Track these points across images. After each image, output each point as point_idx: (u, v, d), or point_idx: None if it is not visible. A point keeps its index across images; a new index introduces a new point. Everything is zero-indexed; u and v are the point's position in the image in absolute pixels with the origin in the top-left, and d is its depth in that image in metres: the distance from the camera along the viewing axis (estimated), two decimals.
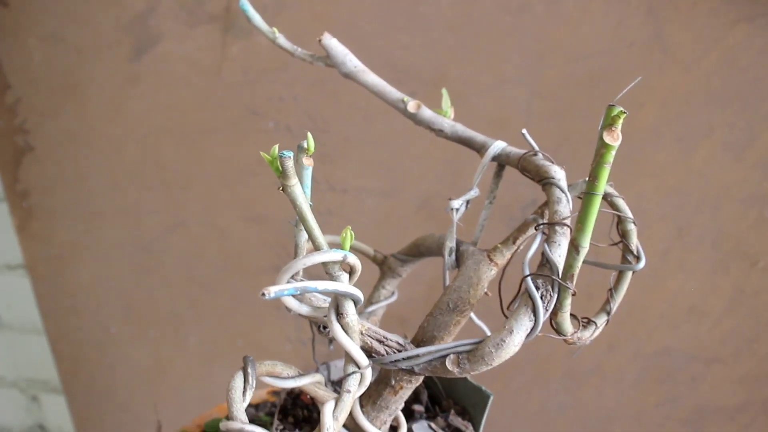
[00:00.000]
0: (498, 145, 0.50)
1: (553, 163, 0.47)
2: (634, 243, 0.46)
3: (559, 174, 0.46)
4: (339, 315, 0.41)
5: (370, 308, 0.58)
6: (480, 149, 0.50)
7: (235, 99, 0.89)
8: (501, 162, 0.51)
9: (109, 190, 0.98)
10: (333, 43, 0.52)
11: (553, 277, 0.40)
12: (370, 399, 0.49)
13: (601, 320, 0.47)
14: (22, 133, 0.97)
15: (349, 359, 0.42)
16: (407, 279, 0.60)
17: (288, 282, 0.39)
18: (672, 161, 0.83)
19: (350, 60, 0.53)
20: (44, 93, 0.94)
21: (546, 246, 0.41)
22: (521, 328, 0.40)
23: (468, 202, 0.51)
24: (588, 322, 0.46)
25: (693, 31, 0.77)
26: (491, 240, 0.52)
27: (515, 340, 0.40)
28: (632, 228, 0.46)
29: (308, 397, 0.60)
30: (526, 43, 0.80)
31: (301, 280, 0.42)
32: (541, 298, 0.40)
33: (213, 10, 0.85)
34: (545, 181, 0.46)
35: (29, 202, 1.02)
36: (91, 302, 1.09)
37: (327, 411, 0.40)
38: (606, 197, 0.46)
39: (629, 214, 0.46)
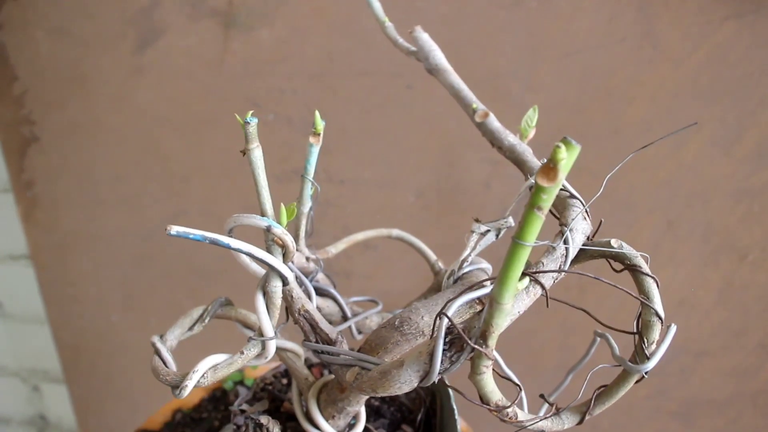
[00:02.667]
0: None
1: (583, 207, 0.40)
2: (651, 339, 0.37)
3: (573, 224, 0.39)
4: (265, 284, 0.42)
5: (400, 311, 0.57)
6: (527, 175, 0.46)
7: (237, 91, 0.91)
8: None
9: (113, 180, 1.00)
10: (423, 37, 0.51)
11: (458, 329, 0.34)
12: (326, 389, 0.50)
13: (570, 418, 0.40)
14: (28, 124, 0.99)
15: (259, 328, 0.43)
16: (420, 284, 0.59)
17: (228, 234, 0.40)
18: (662, 155, 0.85)
19: (433, 57, 0.51)
20: (50, 84, 0.96)
21: None
22: (413, 367, 0.36)
23: (500, 231, 0.45)
24: (555, 412, 0.39)
25: (682, 27, 0.79)
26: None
27: (402, 377, 0.36)
28: (654, 321, 0.37)
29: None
30: (519, 37, 0.82)
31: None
32: (450, 344, 0.35)
33: (215, 4, 0.87)
34: (560, 226, 0.40)
35: (34, 191, 1.04)
36: (93, 291, 1.10)
37: (209, 361, 0.41)
38: (633, 271, 0.38)
39: (654, 304, 0.37)
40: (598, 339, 0.42)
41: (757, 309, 0.91)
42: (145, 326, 1.11)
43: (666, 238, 0.89)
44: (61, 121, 0.98)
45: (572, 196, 0.41)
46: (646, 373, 0.37)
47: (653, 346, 0.37)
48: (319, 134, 0.44)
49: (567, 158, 0.24)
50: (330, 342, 0.45)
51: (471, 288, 0.36)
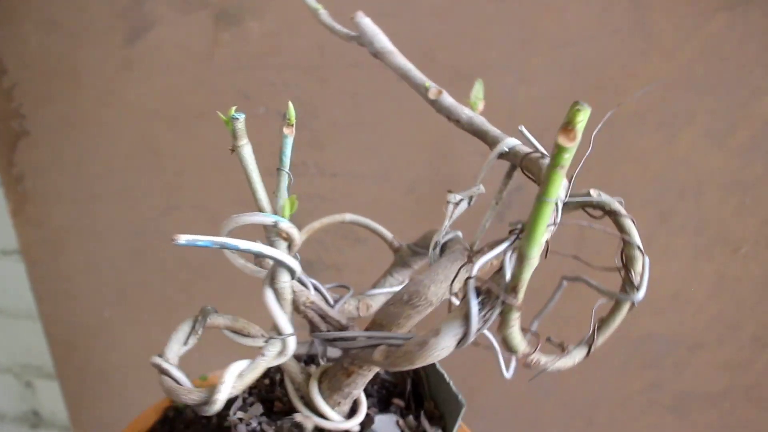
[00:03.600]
0: (509, 142, 0.46)
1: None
2: (637, 271, 0.41)
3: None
4: (273, 281, 0.41)
5: (372, 292, 0.57)
6: (492, 144, 0.47)
7: (227, 84, 0.91)
8: (511, 160, 0.47)
9: (104, 175, 1.00)
10: (365, 22, 0.51)
11: (489, 286, 0.36)
12: (327, 377, 0.50)
13: (578, 353, 0.42)
14: (18, 118, 0.98)
15: (275, 326, 0.42)
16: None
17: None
18: (654, 147, 0.84)
19: (378, 40, 0.51)
20: (40, 78, 0.96)
21: (509, 252, 0.38)
22: (450, 332, 0.37)
23: (471, 198, 0.48)
24: (562, 349, 0.42)
25: (675, 18, 0.78)
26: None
27: (441, 343, 0.37)
28: (637, 255, 0.41)
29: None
30: (510, 29, 0.81)
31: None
32: (482, 304, 0.37)
33: None
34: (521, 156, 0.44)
35: (24, 186, 1.03)
36: (85, 286, 1.10)
37: (234, 369, 0.40)
38: (612, 215, 0.42)
39: (635, 239, 0.41)
40: (565, 283, 0.44)
41: (750, 301, 0.91)
42: (137, 321, 1.11)
43: (659, 231, 0.89)
44: (51, 114, 0.98)
45: (543, 156, 0.44)
46: (637, 302, 0.40)
47: (639, 277, 0.41)
48: (292, 125, 0.44)
49: (583, 119, 0.28)
50: (343, 328, 0.45)
51: (489, 248, 0.39)
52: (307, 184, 0.92)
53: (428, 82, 0.49)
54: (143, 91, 0.94)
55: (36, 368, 1.26)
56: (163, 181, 0.99)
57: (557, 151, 0.29)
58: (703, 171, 0.85)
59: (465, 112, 0.49)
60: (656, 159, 0.85)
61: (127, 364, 1.16)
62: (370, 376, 0.49)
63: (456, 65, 0.84)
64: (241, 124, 0.39)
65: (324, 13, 0.52)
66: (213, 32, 0.88)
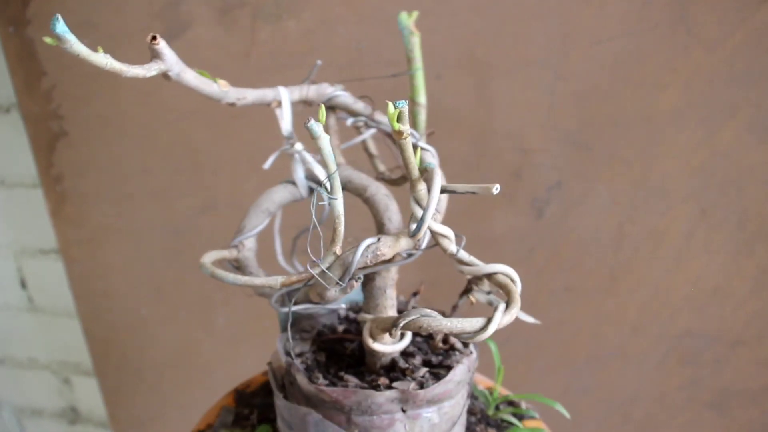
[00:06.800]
0: (283, 90, 0.60)
1: (324, 84, 0.59)
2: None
3: (333, 88, 0.61)
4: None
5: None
6: (272, 102, 0.60)
7: (264, 83, 0.90)
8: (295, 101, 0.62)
9: (141, 174, 1.01)
10: (163, 46, 0.50)
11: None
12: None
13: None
14: (57, 119, 0.99)
15: (447, 241, 0.48)
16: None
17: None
18: (696, 142, 0.83)
19: (179, 61, 0.52)
20: (78, 79, 0.97)
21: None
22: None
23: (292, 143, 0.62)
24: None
25: (717, 11, 0.77)
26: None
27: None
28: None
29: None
30: (550, 25, 0.81)
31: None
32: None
33: None
34: (329, 98, 0.61)
35: (63, 186, 1.04)
36: (123, 285, 1.11)
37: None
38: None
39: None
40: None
41: None
42: (174, 320, 1.12)
43: (700, 226, 0.88)
44: (89, 115, 0.99)
45: (314, 83, 0.62)
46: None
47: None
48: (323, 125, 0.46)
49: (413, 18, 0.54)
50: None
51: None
52: None
53: (216, 79, 0.56)
54: (180, 91, 0.94)
55: (74, 365, 1.28)
56: (200, 181, 0.99)
57: (415, 35, 0.57)
58: (745, 165, 0.84)
59: (246, 90, 0.58)
60: (697, 154, 0.84)
61: (163, 361, 1.18)
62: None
63: (495, 62, 0.83)
64: (406, 110, 0.41)
65: (110, 59, 0.47)
66: (250, 31, 0.88)
